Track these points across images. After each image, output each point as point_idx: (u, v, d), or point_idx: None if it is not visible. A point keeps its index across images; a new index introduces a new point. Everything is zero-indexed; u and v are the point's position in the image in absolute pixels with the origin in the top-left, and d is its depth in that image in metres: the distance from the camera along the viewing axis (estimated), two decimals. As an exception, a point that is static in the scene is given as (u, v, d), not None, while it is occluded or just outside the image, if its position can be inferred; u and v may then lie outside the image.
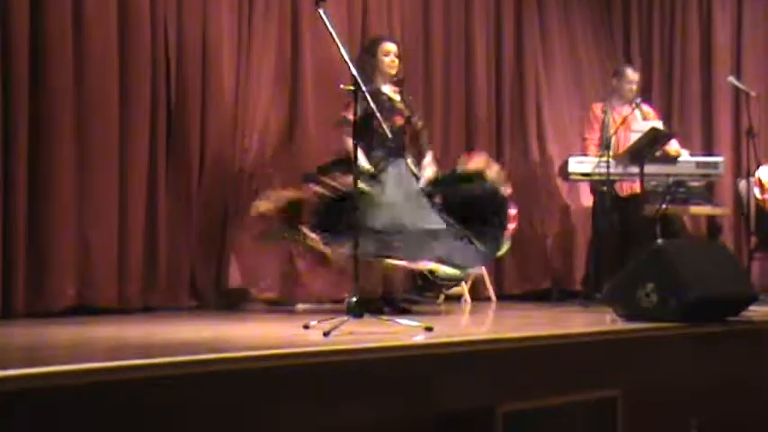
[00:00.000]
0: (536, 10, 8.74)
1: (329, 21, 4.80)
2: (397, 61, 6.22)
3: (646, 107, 7.80)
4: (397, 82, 6.26)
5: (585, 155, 7.53)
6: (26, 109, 5.53)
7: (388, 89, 6.22)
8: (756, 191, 7.83)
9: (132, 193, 6.02)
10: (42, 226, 5.59)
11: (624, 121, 7.26)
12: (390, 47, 6.21)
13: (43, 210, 5.60)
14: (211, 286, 6.45)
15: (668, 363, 4.85)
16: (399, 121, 6.15)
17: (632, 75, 7.82)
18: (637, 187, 7.27)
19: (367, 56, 6.20)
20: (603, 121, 7.64)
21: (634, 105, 7.50)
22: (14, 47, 5.49)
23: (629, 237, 7.44)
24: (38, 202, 5.59)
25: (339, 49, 4.90)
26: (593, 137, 7.65)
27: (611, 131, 7.32)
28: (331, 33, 4.80)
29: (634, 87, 7.77)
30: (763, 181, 7.76)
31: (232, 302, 6.49)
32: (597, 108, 7.77)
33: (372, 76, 6.09)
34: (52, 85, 5.65)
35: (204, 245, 6.43)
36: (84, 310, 5.70)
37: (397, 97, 6.24)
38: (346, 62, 4.90)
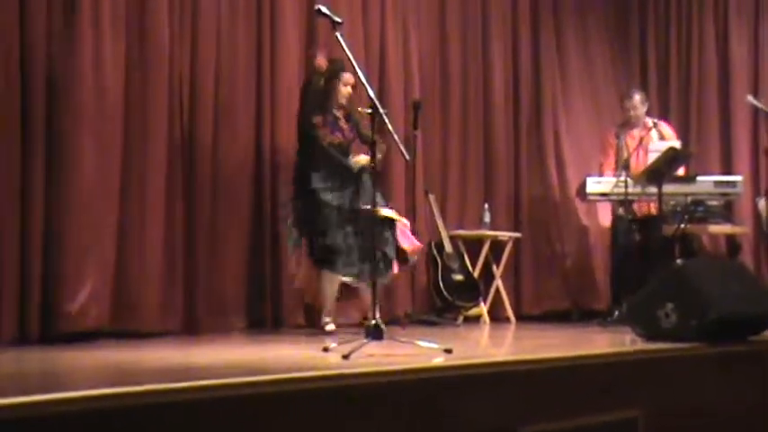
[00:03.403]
0: (553, 31, 8.76)
1: (347, 45, 4.82)
2: (351, 91, 6.46)
3: (665, 127, 7.82)
4: (343, 107, 6.47)
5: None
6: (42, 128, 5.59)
7: (334, 111, 6.45)
8: None
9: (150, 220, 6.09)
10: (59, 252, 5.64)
11: (641, 142, 7.31)
12: (350, 78, 6.41)
13: (60, 235, 5.65)
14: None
15: (689, 383, 4.83)
16: (338, 138, 6.39)
17: (631, 101, 7.84)
18: (654, 208, 7.31)
19: (332, 80, 6.40)
20: (617, 146, 7.71)
21: (651, 125, 7.54)
22: (31, 80, 5.57)
23: (649, 257, 7.42)
24: (55, 224, 5.63)
25: (356, 72, 4.94)
26: (608, 162, 7.78)
27: (625, 154, 7.37)
28: (348, 57, 4.82)
29: (638, 113, 7.79)
30: None
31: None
32: (610, 134, 7.90)
33: (330, 99, 6.39)
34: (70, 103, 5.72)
35: (215, 273, 6.45)
36: (101, 334, 5.71)
37: (340, 116, 6.47)
38: (363, 85, 4.92)
